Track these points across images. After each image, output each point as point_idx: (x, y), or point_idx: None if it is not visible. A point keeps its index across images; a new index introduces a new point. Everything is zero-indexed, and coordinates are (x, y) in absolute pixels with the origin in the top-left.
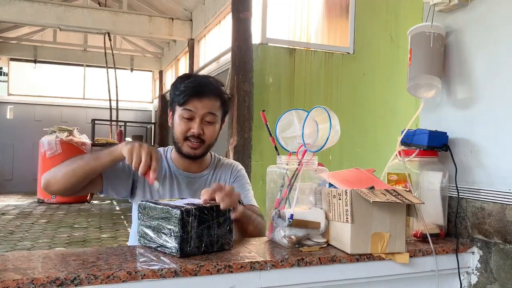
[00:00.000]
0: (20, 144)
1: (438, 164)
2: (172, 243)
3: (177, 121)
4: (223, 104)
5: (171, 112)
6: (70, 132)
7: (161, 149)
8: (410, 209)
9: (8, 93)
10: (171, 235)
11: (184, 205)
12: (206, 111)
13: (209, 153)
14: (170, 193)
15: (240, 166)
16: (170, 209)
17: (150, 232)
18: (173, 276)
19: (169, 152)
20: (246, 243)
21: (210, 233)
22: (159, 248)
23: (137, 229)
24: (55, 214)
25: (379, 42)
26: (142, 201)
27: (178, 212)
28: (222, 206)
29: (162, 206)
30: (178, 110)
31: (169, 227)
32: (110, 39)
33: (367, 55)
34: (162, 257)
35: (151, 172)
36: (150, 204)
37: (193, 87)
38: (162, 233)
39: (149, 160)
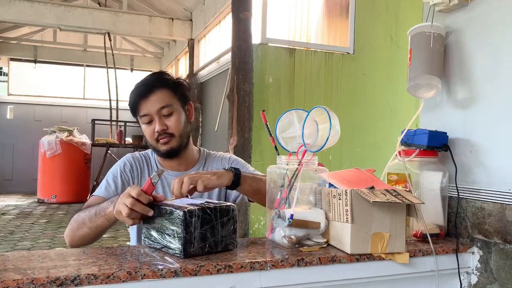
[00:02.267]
0: (20, 144)
1: (438, 164)
2: (175, 244)
3: (143, 129)
4: (173, 90)
5: (140, 125)
6: (70, 132)
7: (149, 151)
8: (410, 209)
9: (8, 93)
10: (175, 236)
11: (187, 205)
12: (158, 106)
13: (196, 148)
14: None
15: (231, 154)
16: (173, 210)
17: (154, 233)
18: (173, 276)
19: (156, 155)
20: (246, 243)
21: (214, 234)
22: (163, 249)
23: (141, 229)
24: (55, 214)
25: (379, 42)
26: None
27: (181, 213)
28: (199, 188)
29: (164, 207)
30: (139, 120)
31: (172, 228)
32: (110, 39)
33: (367, 55)
34: (162, 257)
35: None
36: (154, 204)
37: (134, 92)
38: (166, 234)
39: (135, 201)
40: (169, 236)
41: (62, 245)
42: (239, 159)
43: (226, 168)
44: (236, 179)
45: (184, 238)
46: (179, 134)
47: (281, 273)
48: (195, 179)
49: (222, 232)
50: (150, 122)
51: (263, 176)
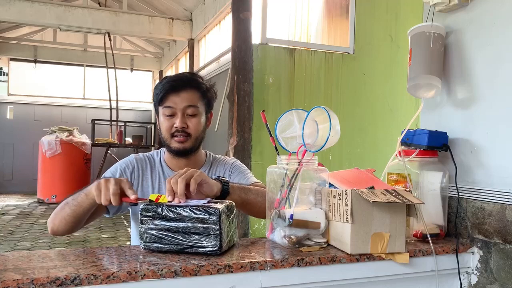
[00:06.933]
0: (20, 144)
1: (438, 164)
2: (210, 242)
3: (161, 120)
4: (203, 95)
5: (157, 115)
6: (70, 132)
7: (155, 152)
8: (410, 209)
9: (8, 93)
10: (210, 234)
11: (208, 204)
12: (186, 104)
13: (203, 151)
14: None
15: (234, 159)
16: (206, 208)
17: (169, 234)
18: (173, 276)
19: (162, 154)
20: (246, 243)
21: (230, 229)
22: (186, 250)
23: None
24: None
25: (379, 42)
26: (147, 204)
27: (216, 210)
28: (192, 187)
29: (187, 208)
30: (160, 109)
31: (206, 226)
32: (110, 39)
33: (367, 55)
34: (162, 257)
35: (129, 193)
36: (163, 207)
37: (168, 83)
38: (193, 233)
39: (117, 187)
40: (200, 234)
41: (62, 245)
42: (241, 165)
43: (217, 178)
44: (225, 189)
45: (220, 235)
46: (195, 136)
47: (281, 273)
48: (187, 177)
49: (232, 227)
50: (171, 116)
51: (258, 185)
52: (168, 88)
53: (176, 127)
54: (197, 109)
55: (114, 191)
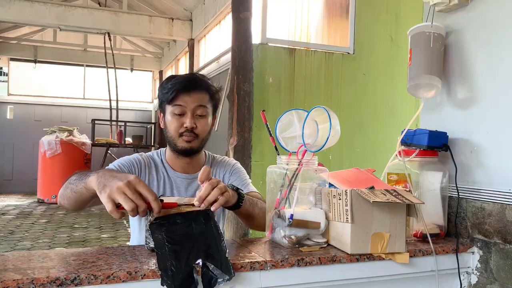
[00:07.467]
0: (20, 144)
1: (438, 164)
2: (211, 242)
3: (169, 119)
4: (211, 97)
5: (161, 114)
6: (70, 132)
7: (154, 152)
8: (410, 209)
9: (8, 93)
10: (209, 234)
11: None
12: (197, 104)
13: (203, 151)
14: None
15: (234, 161)
16: (205, 209)
17: (169, 235)
18: None
19: (163, 155)
20: (246, 243)
21: None
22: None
23: (143, 230)
24: (55, 214)
25: (379, 42)
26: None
27: (217, 211)
28: (216, 206)
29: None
30: (169, 108)
31: (206, 226)
32: (110, 39)
33: (367, 55)
34: None
35: (154, 205)
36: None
37: (180, 82)
38: (193, 233)
39: (140, 198)
40: (200, 235)
41: (62, 245)
42: (242, 169)
43: (233, 187)
44: (239, 201)
45: (220, 235)
46: (202, 137)
47: (281, 273)
48: (217, 194)
49: None
50: (180, 115)
51: (255, 195)
52: (179, 87)
53: (185, 127)
54: (206, 110)
55: (143, 207)
